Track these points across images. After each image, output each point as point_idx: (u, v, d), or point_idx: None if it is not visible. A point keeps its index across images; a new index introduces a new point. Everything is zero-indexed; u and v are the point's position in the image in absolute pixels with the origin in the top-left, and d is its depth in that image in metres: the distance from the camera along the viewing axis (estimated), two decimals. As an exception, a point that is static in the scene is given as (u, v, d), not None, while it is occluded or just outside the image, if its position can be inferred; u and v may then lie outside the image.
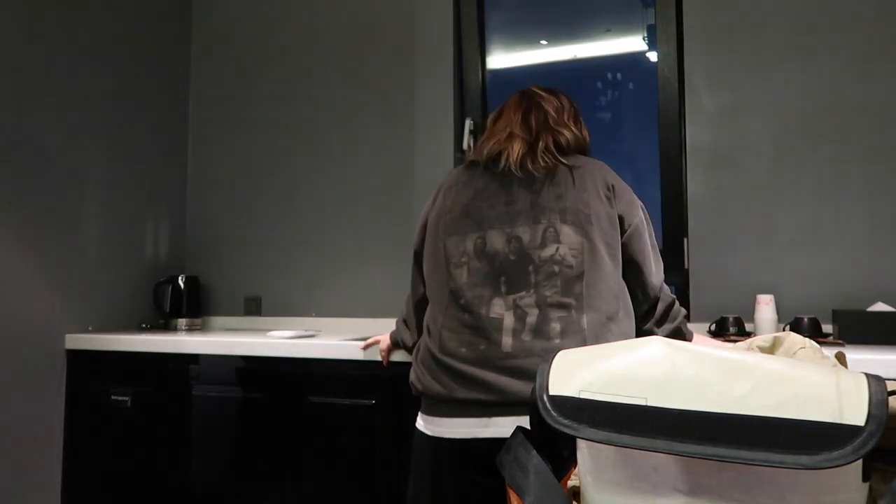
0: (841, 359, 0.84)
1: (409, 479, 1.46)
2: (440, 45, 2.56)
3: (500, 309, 1.31)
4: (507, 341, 1.28)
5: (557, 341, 1.26)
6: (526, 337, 1.27)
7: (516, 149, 1.42)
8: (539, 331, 1.28)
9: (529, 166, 1.40)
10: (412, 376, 1.42)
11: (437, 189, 1.52)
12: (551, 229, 1.35)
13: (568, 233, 1.33)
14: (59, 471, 2.24)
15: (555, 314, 1.28)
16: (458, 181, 1.48)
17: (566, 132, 1.46)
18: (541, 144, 1.42)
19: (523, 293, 1.31)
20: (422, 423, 1.39)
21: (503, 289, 1.33)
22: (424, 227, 1.52)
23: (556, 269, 1.32)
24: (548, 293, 1.30)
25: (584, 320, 1.28)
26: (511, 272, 1.33)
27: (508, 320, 1.29)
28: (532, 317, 1.29)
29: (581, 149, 1.48)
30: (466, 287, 1.35)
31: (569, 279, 1.31)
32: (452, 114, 2.53)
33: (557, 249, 1.33)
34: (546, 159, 1.40)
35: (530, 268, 1.32)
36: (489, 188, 1.42)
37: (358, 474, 1.85)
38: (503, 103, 1.57)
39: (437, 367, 1.34)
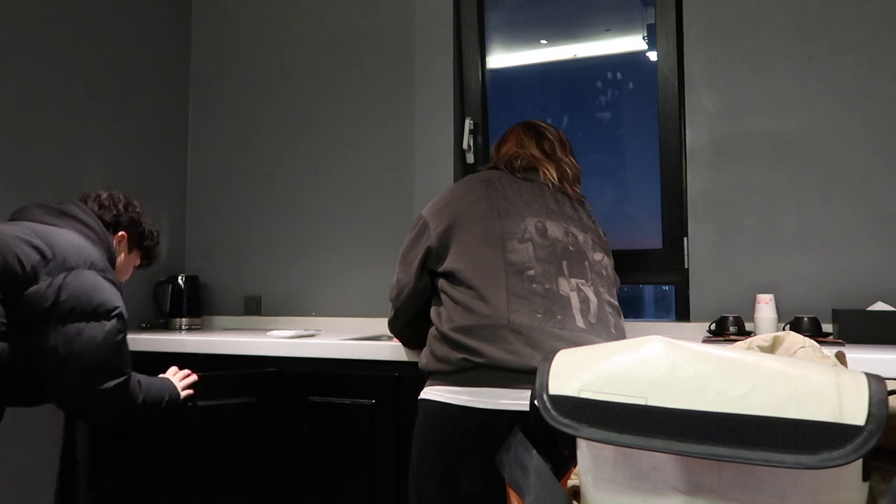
0: (841, 358, 0.84)
1: (413, 464, 1.38)
2: (440, 45, 2.56)
3: (566, 288, 1.34)
4: (578, 318, 1.31)
5: (614, 332, 1.34)
6: (592, 319, 1.32)
7: (551, 168, 1.54)
8: (601, 318, 1.33)
9: (566, 187, 1.52)
10: (449, 352, 1.31)
11: (448, 194, 1.53)
12: (596, 239, 1.47)
13: (602, 250, 1.48)
14: (56, 468, 2.23)
15: (608, 309, 1.37)
16: (488, 177, 1.52)
17: (571, 163, 1.60)
18: (565, 170, 1.56)
19: (583, 281, 1.36)
20: (456, 396, 1.28)
21: (566, 271, 1.36)
22: (445, 220, 1.47)
23: (604, 273, 1.43)
24: (602, 289, 1.39)
25: (622, 326, 1.40)
26: (571, 260, 1.38)
27: (574, 300, 1.33)
28: (593, 304, 1.34)
29: (578, 180, 1.60)
30: (535, 261, 1.35)
31: (611, 286, 1.43)
32: (452, 113, 2.53)
33: (602, 258, 1.45)
34: (572, 185, 1.54)
35: (586, 263, 1.39)
36: (532, 189, 1.49)
37: (358, 474, 1.85)
38: (508, 131, 1.67)
39: (506, 333, 1.25)
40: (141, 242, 1.76)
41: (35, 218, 1.50)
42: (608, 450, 0.71)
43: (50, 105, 2.30)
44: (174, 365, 1.84)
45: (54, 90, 2.31)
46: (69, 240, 1.45)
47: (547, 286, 1.32)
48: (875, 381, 0.62)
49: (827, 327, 1.91)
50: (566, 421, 0.69)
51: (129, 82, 2.61)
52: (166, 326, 2.63)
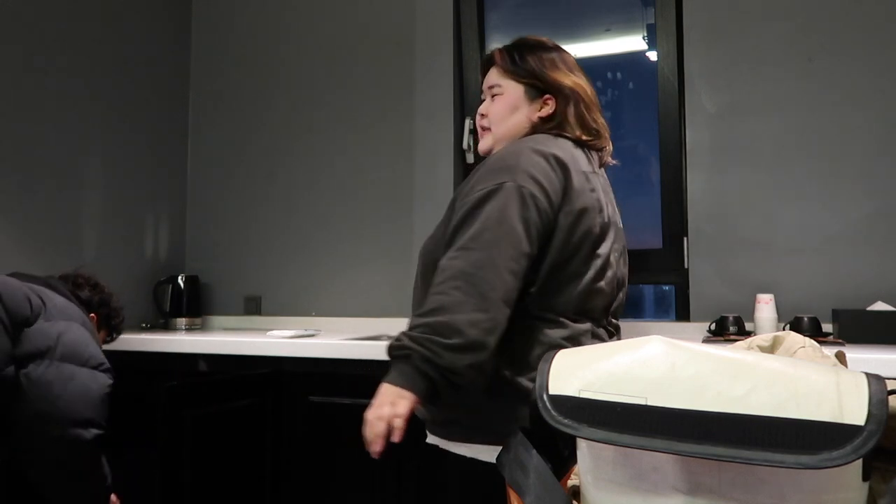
0: (841, 358, 0.84)
1: None
2: (440, 45, 2.56)
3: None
4: None
5: None
6: None
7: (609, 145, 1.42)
8: None
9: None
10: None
11: (562, 165, 1.21)
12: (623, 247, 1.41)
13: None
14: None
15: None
16: (588, 165, 1.30)
17: None
18: None
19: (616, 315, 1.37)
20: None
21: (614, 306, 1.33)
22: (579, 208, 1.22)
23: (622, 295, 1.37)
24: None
25: None
26: (621, 289, 1.34)
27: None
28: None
29: None
30: (609, 292, 1.27)
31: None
32: (452, 113, 2.53)
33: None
34: None
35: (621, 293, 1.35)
36: (604, 184, 1.40)
37: (358, 474, 1.85)
38: (561, 53, 1.38)
39: None
40: (109, 322, 1.82)
41: (24, 281, 1.58)
42: (608, 450, 0.71)
43: (50, 106, 2.30)
44: (171, 364, 1.85)
45: (54, 91, 2.31)
46: (61, 300, 1.57)
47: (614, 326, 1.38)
48: (875, 381, 0.62)
49: (827, 327, 1.91)
50: (566, 421, 0.69)
51: (130, 83, 2.61)
52: (166, 326, 2.63)
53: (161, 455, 1.89)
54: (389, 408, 1.07)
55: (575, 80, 1.32)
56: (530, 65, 1.33)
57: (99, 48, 2.48)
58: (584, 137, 1.30)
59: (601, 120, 1.36)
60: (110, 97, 2.52)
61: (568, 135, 1.30)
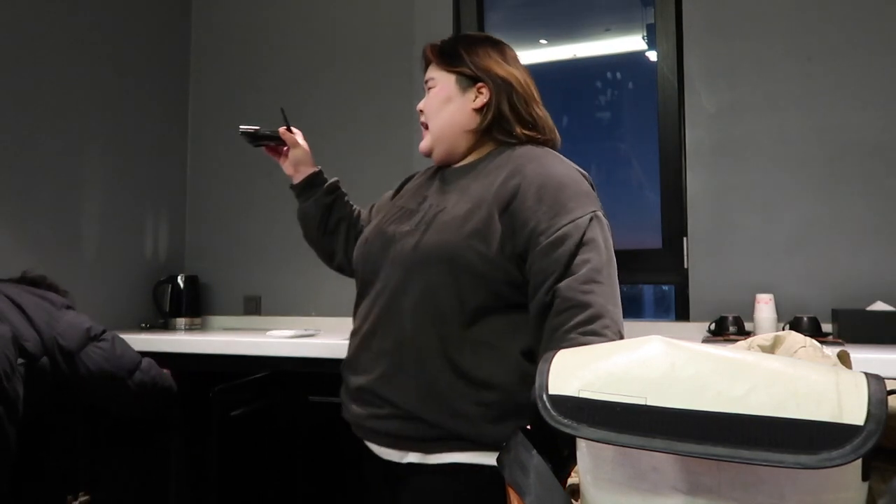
0: (844, 358, 0.84)
1: None
2: (440, 45, 2.56)
3: None
4: None
5: None
6: None
7: None
8: None
9: None
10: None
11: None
12: None
13: None
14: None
15: None
16: None
17: None
18: None
19: None
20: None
21: None
22: None
23: None
24: None
25: None
26: None
27: None
28: None
29: None
30: None
31: None
32: (452, 113, 2.52)
33: None
34: None
35: None
36: None
37: (354, 474, 1.85)
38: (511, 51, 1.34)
39: None
40: None
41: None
42: (608, 450, 0.71)
43: (50, 106, 2.30)
44: (172, 365, 1.85)
45: (54, 91, 2.31)
46: (47, 294, 1.76)
47: None
48: (875, 380, 0.62)
49: (826, 327, 1.91)
50: (566, 421, 0.69)
51: (129, 82, 2.61)
52: (166, 326, 2.63)
53: (166, 459, 1.89)
54: None
55: (509, 70, 1.26)
56: (460, 53, 1.28)
57: (99, 48, 2.48)
58: (522, 132, 1.25)
59: (541, 112, 1.28)
60: (110, 97, 2.52)
61: (506, 130, 1.25)
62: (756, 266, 2.11)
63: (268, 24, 2.83)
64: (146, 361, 1.78)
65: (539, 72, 2.64)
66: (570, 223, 1.11)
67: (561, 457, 0.85)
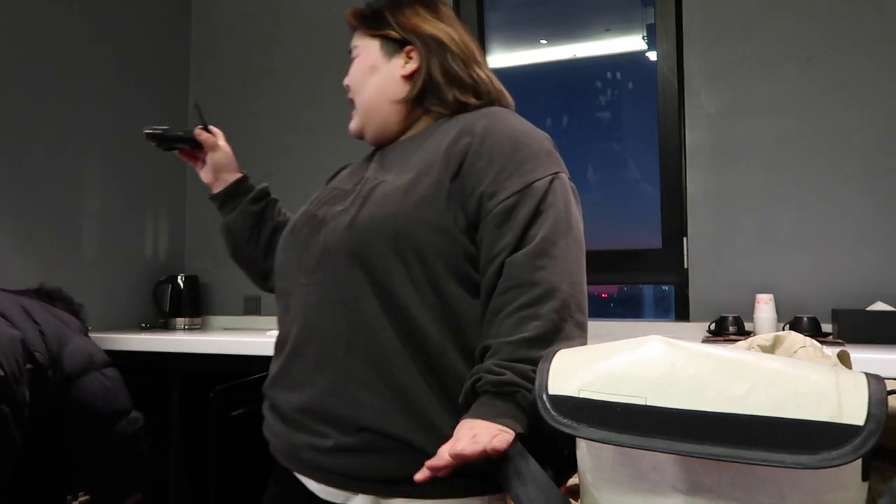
0: (845, 358, 0.84)
1: None
2: (440, 45, 2.55)
3: None
4: None
5: None
6: None
7: None
8: None
9: None
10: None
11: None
12: None
13: None
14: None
15: None
16: None
17: None
18: None
19: None
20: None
21: None
22: None
23: None
24: None
25: None
26: None
27: None
28: None
29: None
30: None
31: None
32: (452, 113, 2.52)
33: None
34: None
35: None
36: None
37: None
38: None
39: None
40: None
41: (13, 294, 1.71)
42: (608, 450, 0.71)
43: (49, 105, 2.30)
44: (172, 364, 1.85)
45: (54, 91, 2.31)
46: (59, 313, 1.77)
47: None
48: (874, 381, 0.62)
49: (826, 327, 1.91)
50: (566, 421, 0.69)
51: (129, 82, 2.61)
52: (166, 326, 2.63)
53: (172, 462, 1.89)
54: (488, 437, 0.78)
55: (441, 28, 1.09)
56: (383, 14, 1.11)
57: (98, 48, 2.48)
58: (459, 98, 1.07)
59: (483, 73, 1.10)
60: (110, 97, 2.52)
61: (440, 100, 1.08)
62: (756, 266, 2.10)
63: (268, 24, 2.83)
64: (136, 413, 1.72)
65: (539, 71, 2.66)
66: (526, 187, 0.94)
67: (560, 456, 0.85)
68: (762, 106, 2.14)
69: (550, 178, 0.95)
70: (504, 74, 2.63)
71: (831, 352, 0.82)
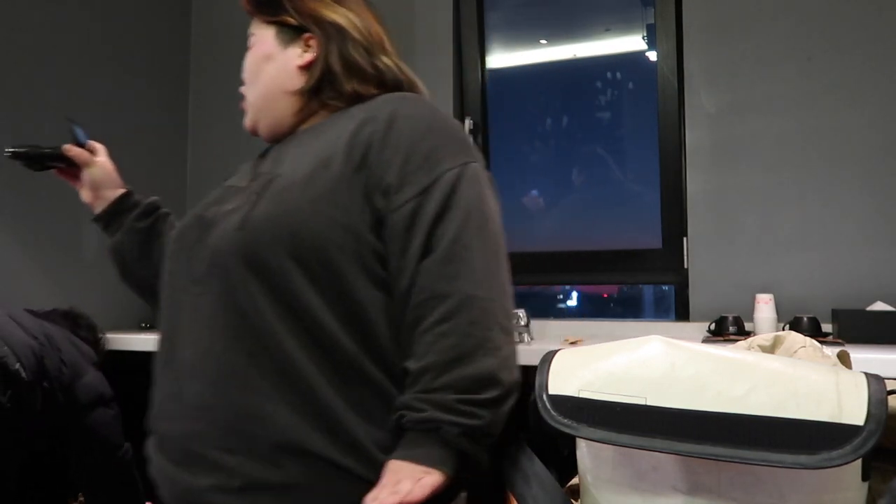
0: (845, 358, 0.84)
1: None
2: (440, 45, 2.56)
3: None
4: None
5: None
6: None
7: None
8: None
9: None
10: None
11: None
12: None
13: None
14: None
15: None
16: None
17: None
18: None
19: None
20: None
21: None
22: None
23: None
24: None
25: None
26: None
27: None
28: None
29: None
30: None
31: None
32: (452, 113, 2.52)
33: None
34: None
35: None
36: None
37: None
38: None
39: None
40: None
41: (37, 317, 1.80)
42: (608, 450, 0.71)
43: (49, 106, 2.30)
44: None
45: (54, 91, 2.31)
46: (79, 344, 1.86)
47: None
48: (874, 381, 0.62)
49: (826, 327, 1.91)
50: (566, 421, 0.69)
51: (129, 82, 2.61)
52: (166, 326, 2.63)
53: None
54: (410, 483, 0.75)
55: (343, 13, 0.99)
56: None
57: (99, 48, 2.48)
58: (359, 89, 0.97)
59: (391, 62, 1.04)
60: (110, 97, 2.52)
61: (338, 93, 0.98)
62: (756, 266, 2.10)
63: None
64: (127, 443, 1.80)
65: (539, 71, 2.66)
66: (433, 182, 0.84)
67: (560, 456, 0.85)
68: (762, 106, 2.14)
69: (458, 168, 0.86)
70: (504, 74, 2.65)
71: (831, 352, 0.82)
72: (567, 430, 0.69)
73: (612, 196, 2.52)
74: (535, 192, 2.64)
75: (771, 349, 0.83)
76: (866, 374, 0.64)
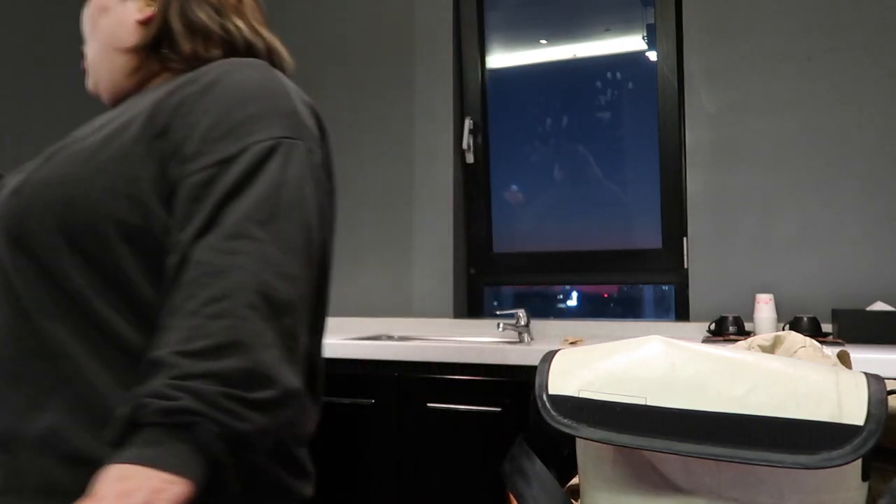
0: (844, 358, 0.84)
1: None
2: (440, 45, 2.56)
3: None
4: None
5: None
6: None
7: None
8: None
9: None
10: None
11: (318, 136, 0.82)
12: None
13: None
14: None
15: None
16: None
17: None
18: None
19: None
20: None
21: None
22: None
23: None
24: None
25: None
26: None
27: None
28: None
29: None
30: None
31: None
32: (452, 113, 2.53)
33: None
34: None
35: None
36: None
37: (355, 474, 1.85)
38: None
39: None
40: None
41: None
42: (608, 450, 0.71)
43: (50, 106, 2.30)
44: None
45: (54, 92, 2.31)
46: None
47: None
48: (874, 381, 0.62)
49: (826, 327, 1.91)
50: (566, 421, 0.69)
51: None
52: (166, 326, 2.63)
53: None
54: (143, 496, 0.57)
55: None
56: None
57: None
58: (201, 52, 0.85)
59: (242, 24, 0.89)
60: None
61: (175, 55, 0.86)
62: (756, 266, 2.11)
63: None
64: None
65: (539, 71, 2.66)
66: (238, 152, 0.70)
67: (560, 456, 0.85)
68: (762, 106, 2.14)
69: (272, 142, 0.72)
70: (504, 74, 2.65)
71: (831, 352, 0.82)
72: (567, 430, 0.69)
73: (612, 196, 2.52)
74: (534, 193, 2.64)
75: (771, 349, 0.83)
76: (866, 374, 0.64)
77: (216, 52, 0.86)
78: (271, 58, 0.91)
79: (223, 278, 0.64)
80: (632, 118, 2.60)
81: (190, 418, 0.59)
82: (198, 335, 0.62)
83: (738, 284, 2.11)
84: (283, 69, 0.91)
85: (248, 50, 0.88)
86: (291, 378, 0.66)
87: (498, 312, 2.32)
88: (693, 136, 2.21)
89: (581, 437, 0.70)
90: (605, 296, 2.66)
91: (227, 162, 0.70)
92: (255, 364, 0.63)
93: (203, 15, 0.86)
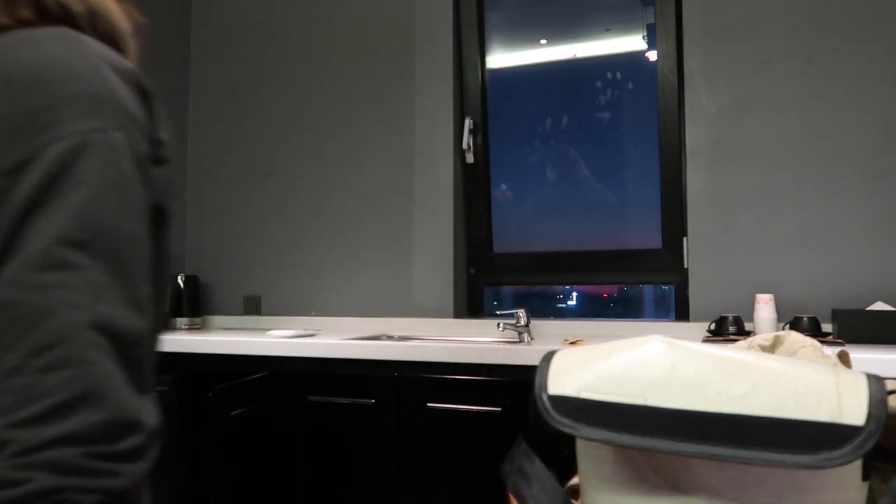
0: (844, 357, 0.84)
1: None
2: (440, 45, 2.56)
3: None
4: None
5: None
6: None
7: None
8: None
9: None
10: None
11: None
12: None
13: None
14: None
15: None
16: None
17: None
18: None
19: None
20: None
21: None
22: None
23: None
24: None
25: None
26: None
27: None
28: None
29: None
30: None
31: None
32: (452, 113, 2.53)
33: None
34: None
35: None
36: None
37: (356, 474, 1.85)
38: None
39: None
40: None
41: None
42: (608, 450, 0.71)
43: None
44: (172, 364, 1.84)
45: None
46: None
47: None
48: (874, 381, 0.62)
49: (826, 327, 1.91)
50: (566, 421, 0.69)
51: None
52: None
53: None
54: None
55: None
56: None
57: (98, 48, 2.48)
58: (9, 13, 0.62)
59: None
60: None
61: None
62: (756, 266, 2.11)
63: (268, 24, 2.83)
64: None
65: (539, 71, 2.66)
66: (31, 155, 0.54)
67: (560, 456, 0.85)
68: (762, 106, 2.14)
69: (78, 138, 0.55)
70: (504, 74, 2.65)
71: (831, 352, 0.82)
72: (567, 430, 0.69)
73: (612, 196, 2.52)
74: (534, 193, 2.64)
75: (771, 349, 0.83)
76: (866, 374, 0.64)
77: (24, 15, 0.63)
78: (94, 24, 0.69)
79: (47, 319, 0.51)
80: (632, 118, 2.60)
81: (55, 497, 0.47)
82: (31, 396, 0.49)
83: (738, 284, 2.11)
84: (113, 39, 0.70)
85: (64, 16, 0.66)
86: (152, 415, 0.55)
87: (498, 312, 2.32)
88: (693, 136, 2.21)
89: (581, 437, 0.70)
90: (605, 296, 2.66)
91: (17, 170, 0.53)
92: (114, 412, 0.52)
93: None
